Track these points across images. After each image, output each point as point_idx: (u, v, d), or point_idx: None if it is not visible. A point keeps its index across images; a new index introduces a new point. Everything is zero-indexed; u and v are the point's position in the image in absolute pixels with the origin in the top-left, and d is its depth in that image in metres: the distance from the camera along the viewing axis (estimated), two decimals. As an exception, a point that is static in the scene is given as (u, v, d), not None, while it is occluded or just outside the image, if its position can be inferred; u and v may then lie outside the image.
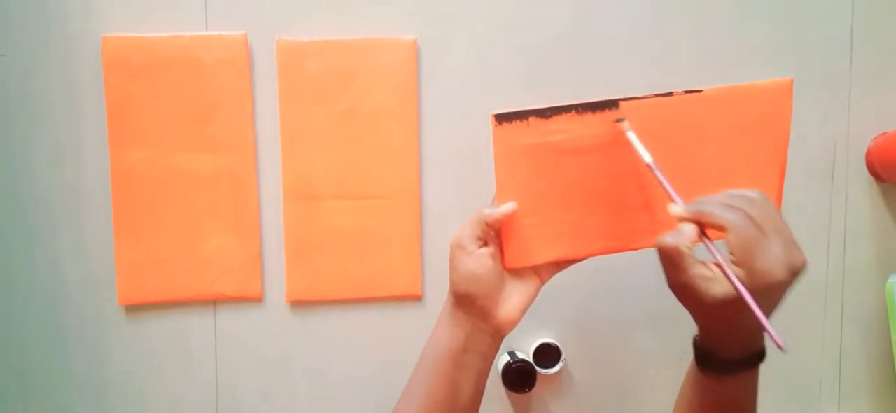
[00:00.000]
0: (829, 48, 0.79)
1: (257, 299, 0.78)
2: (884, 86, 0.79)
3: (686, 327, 0.79)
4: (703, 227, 0.48)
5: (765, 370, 0.52)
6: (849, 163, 0.80)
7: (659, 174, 0.52)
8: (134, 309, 0.78)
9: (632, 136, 0.54)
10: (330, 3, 0.76)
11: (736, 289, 0.44)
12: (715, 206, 0.47)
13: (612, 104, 0.55)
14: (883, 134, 0.79)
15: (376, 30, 0.76)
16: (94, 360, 0.78)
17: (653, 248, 0.57)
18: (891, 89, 0.79)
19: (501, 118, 0.56)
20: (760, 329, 0.44)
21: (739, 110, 0.56)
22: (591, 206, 0.57)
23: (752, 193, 0.48)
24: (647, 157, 0.53)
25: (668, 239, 0.47)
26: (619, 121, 0.55)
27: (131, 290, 0.77)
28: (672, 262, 0.47)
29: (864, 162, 0.80)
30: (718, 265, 0.46)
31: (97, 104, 0.75)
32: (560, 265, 0.59)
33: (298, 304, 0.79)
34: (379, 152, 0.77)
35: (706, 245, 0.47)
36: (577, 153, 0.56)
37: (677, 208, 0.49)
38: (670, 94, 0.55)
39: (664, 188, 0.51)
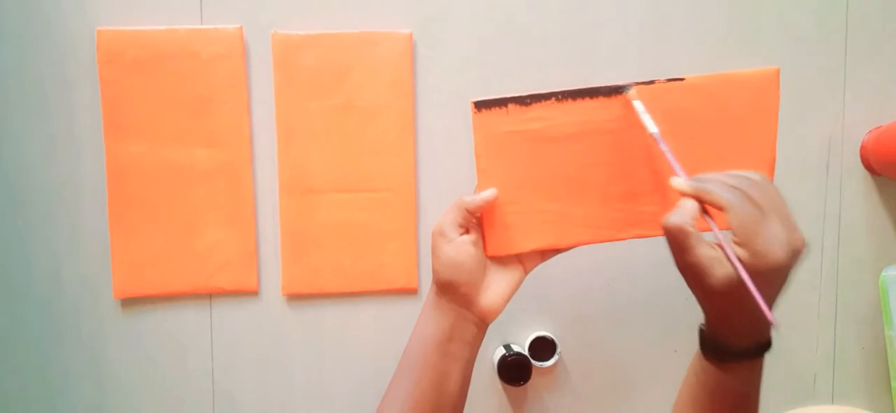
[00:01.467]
0: (824, 41, 0.79)
1: (253, 293, 0.78)
2: (879, 79, 0.79)
3: (682, 320, 0.79)
4: (704, 206, 0.48)
5: (758, 364, 0.52)
6: (843, 156, 0.80)
7: (663, 146, 0.51)
8: (130, 303, 0.78)
9: (638, 106, 0.53)
10: (325, -4, 0.76)
11: (734, 266, 0.44)
12: (716, 184, 0.47)
13: (593, 92, 0.55)
14: (878, 127, 0.79)
15: (372, 23, 0.76)
16: (90, 353, 0.78)
17: (637, 239, 0.58)
18: (886, 83, 0.79)
19: (480, 105, 0.56)
20: (758, 309, 0.44)
21: (725, 100, 0.56)
22: (573, 194, 0.57)
23: (753, 174, 0.48)
24: (652, 127, 0.52)
25: (673, 218, 0.46)
26: (626, 91, 0.55)
27: (127, 284, 0.77)
28: (678, 243, 0.46)
29: (858, 156, 0.80)
30: (719, 244, 0.46)
31: (92, 98, 0.75)
32: (544, 254, 0.59)
33: (294, 298, 0.79)
34: (375, 146, 0.77)
35: (708, 221, 0.47)
36: (559, 141, 0.56)
37: (680, 181, 0.49)
38: (652, 82, 0.55)
39: (668, 161, 0.51)
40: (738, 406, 0.53)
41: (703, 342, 0.53)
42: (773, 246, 0.44)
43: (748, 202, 0.45)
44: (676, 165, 0.50)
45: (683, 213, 0.47)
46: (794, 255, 0.45)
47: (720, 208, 0.46)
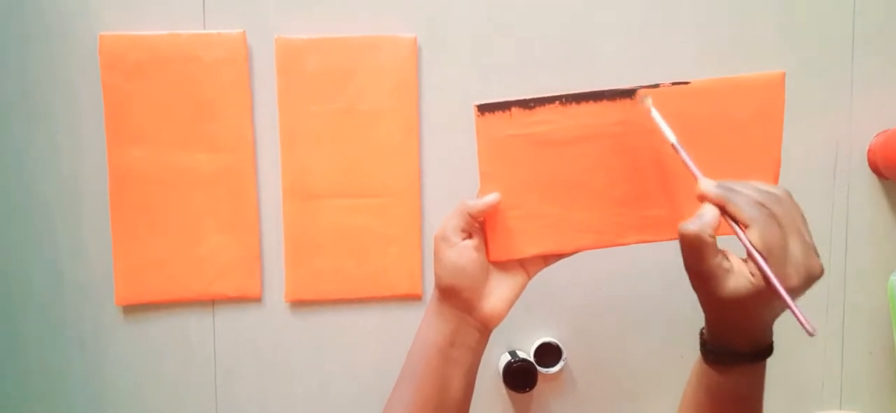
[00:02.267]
0: (831, 45, 0.78)
1: (256, 299, 0.78)
2: (886, 83, 0.79)
3: (688, 326, 0.78)
4: (726, 215, 0.47)
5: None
6: (851, 160, 0.79)
7: (683, 154, 0.51)
8: (132, 309, 0.77)
9: (656, 115, 0.53)
10: (329, 0, 0.76)
11: (770, 283, 0.44)
12: (742, 197, 0.46)
13: (597, 95, 0.55)
14: (885, 131, 0.78)
15: (376, 27, 0.76)
16: (93, 360, 0.78)
17: (642, 243, 0.57)
18: (893, 85, 0.79)
19: (484, 108, 0.55)
20: (772, 323, 0.44)
21: (730, 104, 0.55)
22: (577, 199, 0.56)
23: (778, 191, 0.48)
24: (671, 136, 0.51)
25: (691, 226, 0.46)
26: (643, 101, 0.54)
27: (129, 291, 0.76)
28: (693, 250, 0.46)
29: (866, 159, 0.79)
30: (753, 260, 0.45)
31: (94, 103, 0.75)
32: (547, 259, 0.59)
33: (298, 304, 0.78)
34: (379, 151, 0.77)
35: (740, 239, 0.46)
36: (562, 145, 0.56)
37: (708, 185, 0.48)
38: (656, 86, 0.54)
39: (683, 167, 0.50)
40: (739, 409, 0.53)
41: (704, 346, 0.53)
42: (790, 270, 0.44)
43: (772, 221, 0.45)
44: (698, 172, 0.50)
45: (703, 222, 0.46)
46: (809, 280, 0.45)
47: (743, 224, 0.46)
